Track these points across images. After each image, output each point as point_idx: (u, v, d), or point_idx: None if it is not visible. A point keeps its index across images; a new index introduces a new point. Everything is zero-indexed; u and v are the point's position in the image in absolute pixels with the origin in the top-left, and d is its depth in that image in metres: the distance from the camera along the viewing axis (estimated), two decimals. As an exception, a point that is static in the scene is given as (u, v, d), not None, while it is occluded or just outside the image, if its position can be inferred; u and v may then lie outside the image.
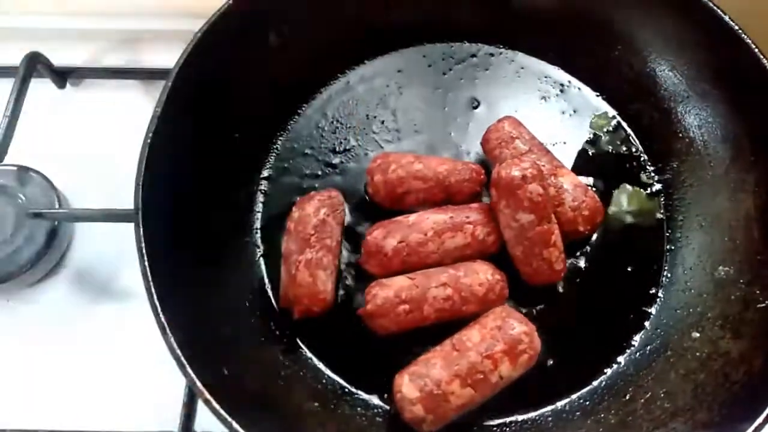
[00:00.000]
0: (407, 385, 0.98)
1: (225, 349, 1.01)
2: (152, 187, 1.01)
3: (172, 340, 0.90)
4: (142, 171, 1.01)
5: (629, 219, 1.22)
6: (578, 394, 1.09)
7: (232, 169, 1.20)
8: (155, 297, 0.93)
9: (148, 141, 1.02)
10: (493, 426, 1.06)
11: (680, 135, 1.25)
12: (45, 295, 1.25)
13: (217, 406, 0.87)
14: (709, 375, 1.01)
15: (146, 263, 0.95)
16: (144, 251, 0.96)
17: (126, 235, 0.97)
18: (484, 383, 0.98)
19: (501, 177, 1.07)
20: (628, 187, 1.25)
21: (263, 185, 1.25)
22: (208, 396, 0.87)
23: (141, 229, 0.97)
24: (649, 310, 1.15)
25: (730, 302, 1.08)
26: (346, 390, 1.08)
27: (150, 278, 0.94)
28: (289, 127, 1.29)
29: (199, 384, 0.88)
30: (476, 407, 1.01)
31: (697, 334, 1.08)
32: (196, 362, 0.90)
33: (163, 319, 0.92)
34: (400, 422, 1.00)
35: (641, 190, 1.25)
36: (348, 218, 1.20)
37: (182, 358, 0.89)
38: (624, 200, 1.24)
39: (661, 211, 1.23)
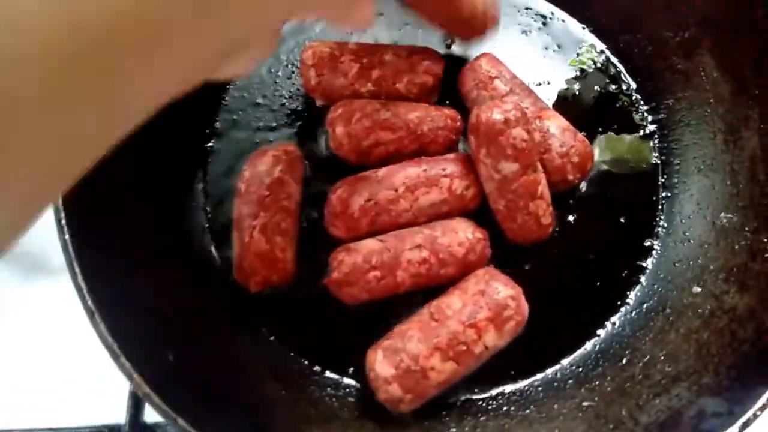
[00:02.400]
0: (381, 362, 0.87)
1: (169, 331, 0.87)
2: None
3: (102, 327, 0.77)
4: None
5: (605, 167, 1.10)
6: (569, 359, 0.99)
7: (173, 121, 1.03)
8: (79, 276, 0.79)
9: None
10: (478, 400, 0.96)
11: (678, 68, 1.12)
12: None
13: (159, 401, 0.74)
14: (713, 334, 0.92)
15: (67, 235, 0.81)
16: (64, 220, 0.81)
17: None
18: (468, 355, 0.88)
19: (480, 121, 0.93)
20: (604, 137, 1.12)
21: (209, 141, 1.09)
22: (148, 389, 0.75)
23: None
24: (645, 264, 1.05)
25: (735, 252, 0.97)
26: (313, 370, 0.96)
27: (72, 253, 0.80)
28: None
29: (136, 376, 0.75)
30: (459, 381, 0.90)
31: (699, 289, 0.98)
32: (133, 350, 0.77)
33: (90, 303, 0.78)
34: (375, 402, 0.89)
35: (622, 135, 1.12)
36: (308, 175, 1.06)
37: (115, 347, 0.76)
38: (600, 149, 1.11)
39: (655, 154, 1.11)
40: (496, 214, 0.99)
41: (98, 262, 0.82)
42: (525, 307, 0.92)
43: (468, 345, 0.87)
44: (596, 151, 1.10)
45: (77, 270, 0.80)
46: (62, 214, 0.82)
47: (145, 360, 0.78)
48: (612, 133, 1.13)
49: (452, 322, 0.88)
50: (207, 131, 1.10)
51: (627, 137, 1.13)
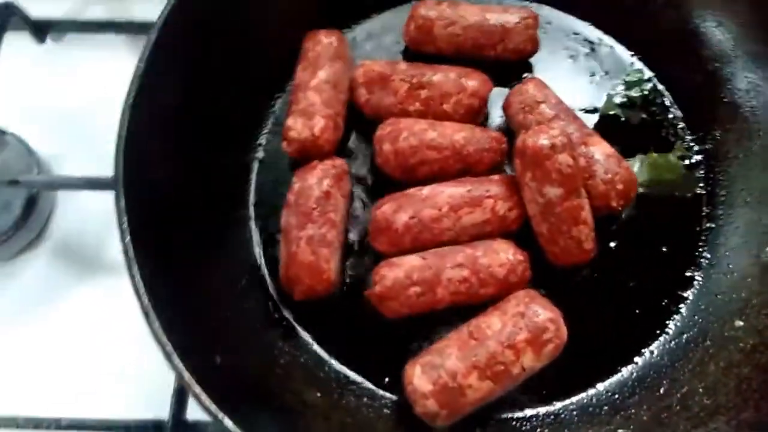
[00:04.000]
0: (419, 376, 0.88)
1: (218, 335, 0.91)
2: (135, 154, 0.91)
3: (157, 325, 0.81)
4: (123, 136, 0.90)
5: (647, 180, 1.10)
6: (605, 385, 0.99)
7: (225, 134, 1.08)
8: (138, 278, 0.84)
9: (130, 102, 0.92)
10: (512, 419, 0.97)
11: (725, 100, 1.12)
12: (24, 270, 1.16)
13: (207, 401, 0.78)
14: (754, 369, 0.91)
15: (128, 240, 0.85)
16: (125, 226, 0.86)
17: (113, 204, 0.87)
18: (505, 375, 0.89)
19: (527, 146, 0.95)
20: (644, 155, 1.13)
21: (259, 153, 1.14)
22: (198, 389, 0.78)
23: (122, 202, 0.88)
24: (686, 295, 1.04)
25: (779, 288, 0.97)
26: (352, 379, 0.99)
27: (133, 257, 0.85)
28: (288, 87, 1.16)
29: (186, 375, 0.79)
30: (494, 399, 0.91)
31: (741, 323, 0.97)
32: (184, 350, 0.80)
33: (146, 303, 0.82)
34: (411, 415, 0.91)
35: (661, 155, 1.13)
36: (355, 190, 1.09)
37: (168, 346, 0.80)
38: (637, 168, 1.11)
39: (701, 185, 1.11)
40: (538, 237, 1.00)
41: (155, 266, 0.86)
42: (564, 330, 0.92)
43: (506, 365, 0.88)
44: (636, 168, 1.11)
45: (135, 272, 0.84)
46: (124, 218, 0.86)
47: (195, 360, 0.81)
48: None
49: (491, 342, 0.89)
50: (256, 142, 1.14)
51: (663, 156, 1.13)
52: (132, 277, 0.84)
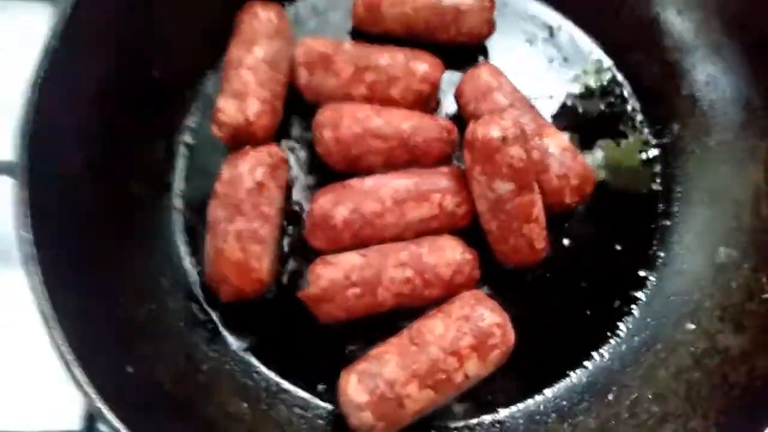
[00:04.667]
0: (355, 387, 0.82)
1: (132, 339, 0.82)
2: (41, 137, 0.81)
3: (56, 334, 0.72)
4: (30, 118, 0.81)
5: (603, 175, 1.06)
6: (553, 390, 0.94)
7: (148, 114, 0.99)
8: (38, 277, 0.74)
9: (38, 80, 0.82)
10: (454, 428, 0.91)
11: (684, 93, 1.08)
12: None
13: (112, 418, 0.69)
14: (704, 375, 0.88)
15: (28, 235, 0.76)
16: (27, 218, 0.76)
17: (11, 191, 0.78)
18: (447, 384, 0.83)
19: (476, 138, 0.88)
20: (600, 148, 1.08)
21: (186, 136, 1.04)
22: (100, 404, 0.70)
23: (26, 191, 0.78)
24: (638, 295, 1.00)
25: (732, 290, 0.93)
26: (282, 387, 0.91)
27: (33, 254, 0.75)
28: (219, 63, 1.05)
29: (89, 389, 0.70)
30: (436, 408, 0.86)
31: (692, 326, 0.94)
32: (88, 360, 0.72)
33: (46, 307, 0.73)
34: (346, 426, 0.84)
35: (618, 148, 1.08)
36: (293, 181, 1.00)
37: (67, 357, 0.71)
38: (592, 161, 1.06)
39: (658, 180, 1.07)
40: (487, 235, 0.94)
41: (59, 263, 0.77)
42: (511, 336, 0.87)
43: (448, 374, 0.82)
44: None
45: (35, 271, 0.74)
46: (27, 209, 0.77)
47: (102, 371, 0.73)
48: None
49: (433, 348, 0.83)
50: (183, 124, 1.04)
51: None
52: (31, 276, 0.74)
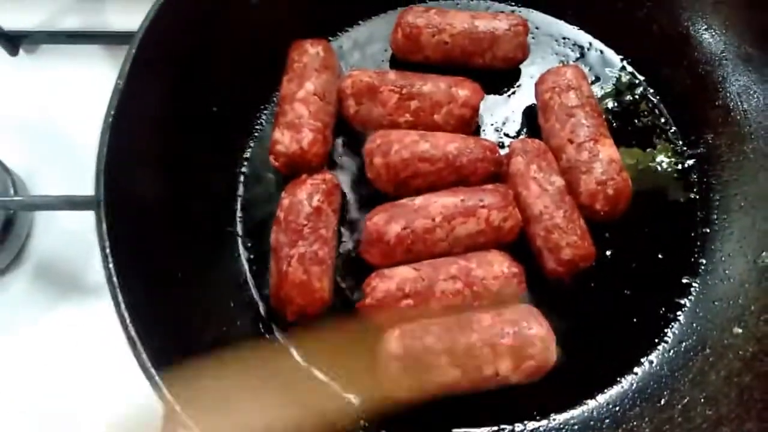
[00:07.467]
0: (396, 338, 0.89)
1: (205, 359, 0.87)
2: (116, 173, 0.87)
3: (144, 356, 0.77)
4: (104, 155, 0.87)
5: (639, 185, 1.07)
6: (606, 397, 0.97)
7: (209, 148, 1.05)
8: (122, 305, 0.80)
9: (110, 120, 0.88)
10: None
11: (716, 104, 1.11)
12: (3, 292, 1.11)
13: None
14: (756, 378, 0.90)
15: (111, 265, 0.82)
16: (108, 251, 0.82)
17: (93, 223, 0.84)
18: (475, 372, 0.88)
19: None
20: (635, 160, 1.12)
21: (245, 167, 1.10)
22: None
23: (104, 224, 0.84)
24: (683, 302, 1.03)
25: (776, 293, 0.96)
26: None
27: (116, 283, 0.81)
28: (274, 98, 1.12)
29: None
30: (464, 391, 0.90)
31: (740, 330, 0.96)
32: (173, 379, 0.77)
33: (132, 331, 0.78)
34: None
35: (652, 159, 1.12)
36: (345, 204, 1.06)
37: (156, 377, 0.76)
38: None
39: (694, 189, 1.10)
40: (537, 240, 0.98)
41: (139, 291, 0.82)
42: (551, 355, 0.89)
43: (479, 362, 0.87)
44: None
45: (120, 300, 0.80)
46: (106, 243, 0.83)
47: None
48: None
49: (474, 335, 0.88)
50: (242, 157, 1.10)
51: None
52: (117, 305, 0.80)
